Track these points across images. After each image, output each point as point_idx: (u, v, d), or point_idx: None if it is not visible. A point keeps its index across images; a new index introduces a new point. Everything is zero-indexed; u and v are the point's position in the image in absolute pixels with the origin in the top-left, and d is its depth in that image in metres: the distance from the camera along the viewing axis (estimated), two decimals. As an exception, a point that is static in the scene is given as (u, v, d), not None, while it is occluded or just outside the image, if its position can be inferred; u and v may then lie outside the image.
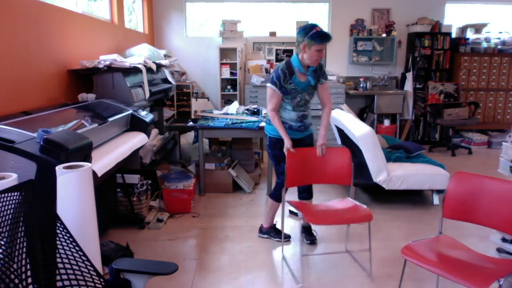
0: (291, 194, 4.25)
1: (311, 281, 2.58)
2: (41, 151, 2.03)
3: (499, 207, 2.08)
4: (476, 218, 2.16)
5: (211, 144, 5.35)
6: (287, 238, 3.16)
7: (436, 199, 3.90)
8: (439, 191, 3.90)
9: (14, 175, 1.86)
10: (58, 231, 1.48)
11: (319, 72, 2.88)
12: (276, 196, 3.09)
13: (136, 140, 3.18)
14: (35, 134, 2.12)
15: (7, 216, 1.28)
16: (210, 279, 2.59)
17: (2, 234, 1.24)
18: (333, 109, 5.19)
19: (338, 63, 6.66)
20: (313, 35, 2.65)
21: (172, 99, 5.90)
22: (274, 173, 3.10)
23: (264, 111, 4.61)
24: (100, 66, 3.46)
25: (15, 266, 1.23)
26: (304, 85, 2.84)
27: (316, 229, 3.35)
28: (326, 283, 2.56)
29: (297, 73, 2.81)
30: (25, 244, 1.32)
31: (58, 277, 1.43)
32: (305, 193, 3.11)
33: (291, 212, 3.67)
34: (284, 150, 2.80)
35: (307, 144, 3.01)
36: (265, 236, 3.20)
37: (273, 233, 3.18)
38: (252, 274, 2.66)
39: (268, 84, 2.83)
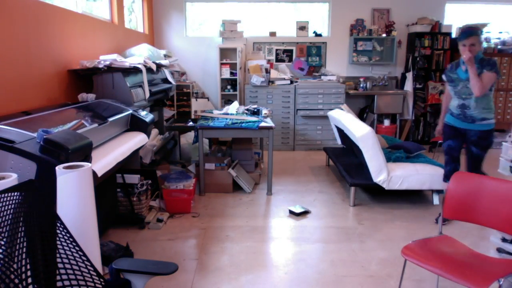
0: (292, 201, 4.24)
1: (311, 281, 2.58)
2: (41, 151, 2.03)
3: (499, 207, 2.08)
4: (476, 218, 2.16)
5: (211, 144, 5.35)
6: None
7: (436, 199, 3.91)
8: (439, 191, 3.89)
9: (14, 175, 1.86)
10: (58, 231, 1.48)
11: (479, 66, 3.12)
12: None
13: (136, 140, 3.18)
14: (35, 134, 2.12)
15: (7, 216, 1.28)
16: (210, 279, 2.59)
17: (2, 234, 1.24)
18: (332, 109, 5.23)
19: (338, 63, 6.66)
20: (457, 35, 3.04)
21: (172, 99, 5.90)
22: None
23: (264, 111, 4.61)
24: (100, 66, 3.46)
25: (15, 266, 1.23)
26: (462, 75, 3.24)
27: (316, 229, 3.35)
28: (326, 282, 2.56)
29: (461, 66, 3.25)
30: (25, 244, 1.32)
31: (58, 277, 1.43)
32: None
33: (291, 212, 3.68)
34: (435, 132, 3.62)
35: (471, 141, 3.26)
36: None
37: None
38: (252, 274, 2.66)
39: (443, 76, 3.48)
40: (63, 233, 1.48)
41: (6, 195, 1.31)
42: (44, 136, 2.04)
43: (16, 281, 1.20)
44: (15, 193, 1.35)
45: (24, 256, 1.29)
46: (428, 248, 2.09)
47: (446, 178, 3.43)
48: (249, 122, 4.12)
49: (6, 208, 1.29)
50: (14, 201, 1.33)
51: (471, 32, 3.05)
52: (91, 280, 1.49)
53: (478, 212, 2.15)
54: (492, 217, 2.10)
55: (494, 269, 1.93)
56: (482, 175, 2.43)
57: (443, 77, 3.40)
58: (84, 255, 1.50)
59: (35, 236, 1.38)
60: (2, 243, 1.23)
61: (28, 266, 1.29)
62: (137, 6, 5.97)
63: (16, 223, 1.31)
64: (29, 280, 1.26)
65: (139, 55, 4.43)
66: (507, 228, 2.06)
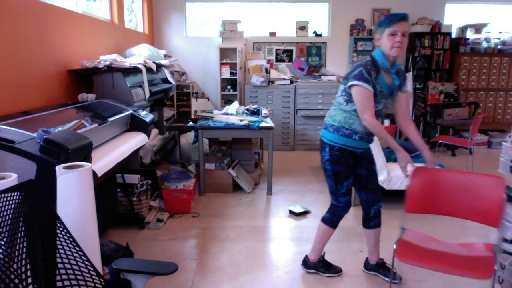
0: (293, 201, 4.24)
1: (311, 281, 2.58)
2: (41, 151, 2.03)
3: (459, 196, 2.15)
4: (438, 209, 2.22)
5: (211, 144, 5.35)
6: (339, 272, 2.64)
7: (436, 199, 3.90)
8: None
9: (14, 175, 1.86)
10: (58, 231, 1.48)
11: (401, 79, 2.36)
12: (334, 222, 2.53)
13: (136, 140, 3.18)
14: (35, 134, 2.12)
15: (7, 216, 1.28)
16: (210, 279, 2.59)
17: (2, 234, 1.24)
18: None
19: (338, 63, 6.66)
20: (381, 21, 2.24)
21: (172, 99, 5.90)
22: (330, 194, 2.52)
23: (264, 111, 4.61)
24: (100, 66, 3.46)
25: (15, 266, 1.23)
26: (389, 88, 2.30)
27: (316, 229, 3.36)
28: (326, 282, 2.56)
29: (382, 71, 2.28)
30: (25, 244, 1.32)
31: (58, 277, 1.43)
32: (376, 219, 2.58)
33: (291, 212, 3.67)
34: (400, 165, 2.31)
35: (369, 159, 2.51)
36: (312, 271, 2.64)
37: (323, 267, 2.63)
38: (252, 274, 2.66)
39: (357, 82, 2.21)
40: (63, 233, 1.48)
41: (6, 195, 1.31)
42: (44, 136, 2.04)
43: (16, 281, 1.19)
44: (15, 193, 1.35)
45: (24, 256, 1.29)
46: (415, 248, 2.10)
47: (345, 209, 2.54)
48: (249, 122, 4.12)
49: (6, 208, 1.29)
50: (14, 201, 1.33)
51: (404, 16, 2.19)
52: (91, 280, 1.48)
53: (439, 203, 2.20)
54: (453, 207, 2.17)
55: (485, 255, 1.99)
56: (440, 168, 2.50)
57: (365, 85, 2.22)
58: (84, 255, 1.50)
59: (35, 236, 1.38)
60: (2, 243, 1.23)
61: (28, 266, 1.29)
62: (137, 6, 5.97)
63: (16, 223, 1.31)
64: (29, 280, 1.26)
65: (139, 55, 4.43)
66: (467, 215, 2.13)
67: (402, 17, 2.17)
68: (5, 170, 2.01)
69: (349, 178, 2.44)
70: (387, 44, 2.19)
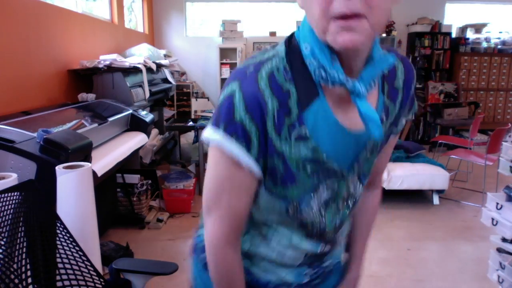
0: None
1: (311, 281, 2.57)
2: (41, 151, 2.03)
3: None
4: None
5: (211, 144, 5.34)
6: None
7: (436, 199, 3.90)
8: (439, 191, 3.90)
9: (14, 175, 1.85)
10: (58, 231, 1.48)
11: (400, 102, 0.76)
12: None
13: (136, 140, 3.17)
14: (35, 134, 2.12)
15: (7, 216, 1.28)
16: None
17: (2, 234, 1.24)
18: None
19: (338, 63, 6.66)
20: None
21: (172, 99, 5.90)
22: None
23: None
24: (100, 66, 3.46)
25: (15, 266, 1.23)
26: (349, 144, 0.69)
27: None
28: (326, 283, 2.56)
29: (326, 91, 0.65)
30: (25, 244, 1.32)
31: (58, 277, 1.43)
32: None
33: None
34: None
35: None
36: None
37: None
38: (252, 274, 2.65)
39: (215, 136, 0.64)
40: (63, 233, 1.48)
41: (6, 195, 1.31)
42: (44, 136, 2.04)
43: (16, 281, 1.20)
44: (15, 193, 1.35)
45: (24, 256, 1.29)
46: None
47: None
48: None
49: (6, 208, 1.29)
50: (14, 201, 1.33)
51: None
52: (91, 280, 1.48)
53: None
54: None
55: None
56: None
57: (235, 148, 0.63)
58: (84, 255, 1.50)
59: (35, 236, 1.38)
60: (2, 243, 1.23)
61: (28, 266, 1.29)
62: (137, 6, 5.97)
63: (16, 223, 1.31)
64: (29, 280, 1.26)
65: (139, 55, 4.43)
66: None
67: None
68: (5, 170, 2.01)
69: None
70: (311, 3, 0.58)
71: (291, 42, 0.66)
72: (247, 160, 0.63)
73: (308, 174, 0.67)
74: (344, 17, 0.54)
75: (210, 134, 0.64)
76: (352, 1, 0.53)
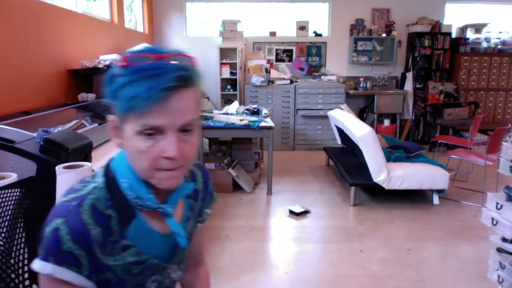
0: (290, 202, 4.24)
1: (311, 281, 2.58)
2: (41, 151, 2.03)
3: None
4: None
5: (211, 144, 5.35)
6: None
7: (436, 199, 3.90)
8: (439, 191, 3.90)
9: (14, 175, 1.86)
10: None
11: (201, 199, 1.01)
12: None
13: (136, 140, 3.17)
14: (35, 134, 2.12)
15: (7, 212, 1.29)
16: (210, 279, 2.58)
17: (1, 230, 1.24)
18: (332, 109, 5.21)
19: (338, 63, 6.66)
20: (118, 82, 0.70)
21: (172, 99, 5.89)
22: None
23: (264, 111, 4.61)
24: (100, 66, 3.46)
25: (12, 261, 1.24)
26: (162, 248, 0.85)
27: (316, 229, 3.35)
28: (326, 282, 2.56)
29: (143, 212, 0.80)
30: (23, 240, 1.33)
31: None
32: None
33: (291, 211, 3.67)
34: None
35: None
36: None
37: None
38: (252, 274, 2.66)
39: (45, 265, 0.72)
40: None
41: (6, 191, 1.32)
42: (44, 136, 2.04)
43: (13, 275, 1.20)
44: (16, 190, 1.36)
45: (21, 251, 1.30)
46: None
47: None
48: (249, 121, 4.12)
49: (6, 204, 1.29)
50: (14, 198, 1.34)
51: (186, 73, 0.69)
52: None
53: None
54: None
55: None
56: None
57: (68, 274, 0.71)
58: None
59: (35, 232, 1.38)
60: (1, 238, 1.23)
61: (26, 262, 1.29)
62: (137, 6, 5.97)
63: (15, 218, 1.31)
64: (26, 275, 1.26)
65: (139, 55, 4.43)
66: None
67: (182, 79, 0.68)
68: (5, 170, 2.01)
69: None
70: (140, 156, 0.72)
71: (108, 174, 0.80)
72: (80, 279, 0.73)
73: (134, 274, 0.80)
74: (169, 169, 0.72)
75: (41, 268, 0.72)
76: (175, 160, 0.71)
